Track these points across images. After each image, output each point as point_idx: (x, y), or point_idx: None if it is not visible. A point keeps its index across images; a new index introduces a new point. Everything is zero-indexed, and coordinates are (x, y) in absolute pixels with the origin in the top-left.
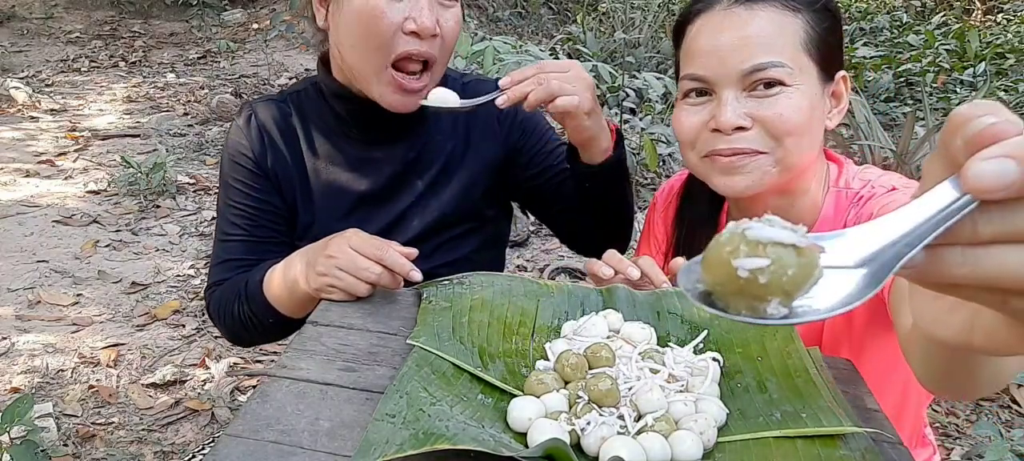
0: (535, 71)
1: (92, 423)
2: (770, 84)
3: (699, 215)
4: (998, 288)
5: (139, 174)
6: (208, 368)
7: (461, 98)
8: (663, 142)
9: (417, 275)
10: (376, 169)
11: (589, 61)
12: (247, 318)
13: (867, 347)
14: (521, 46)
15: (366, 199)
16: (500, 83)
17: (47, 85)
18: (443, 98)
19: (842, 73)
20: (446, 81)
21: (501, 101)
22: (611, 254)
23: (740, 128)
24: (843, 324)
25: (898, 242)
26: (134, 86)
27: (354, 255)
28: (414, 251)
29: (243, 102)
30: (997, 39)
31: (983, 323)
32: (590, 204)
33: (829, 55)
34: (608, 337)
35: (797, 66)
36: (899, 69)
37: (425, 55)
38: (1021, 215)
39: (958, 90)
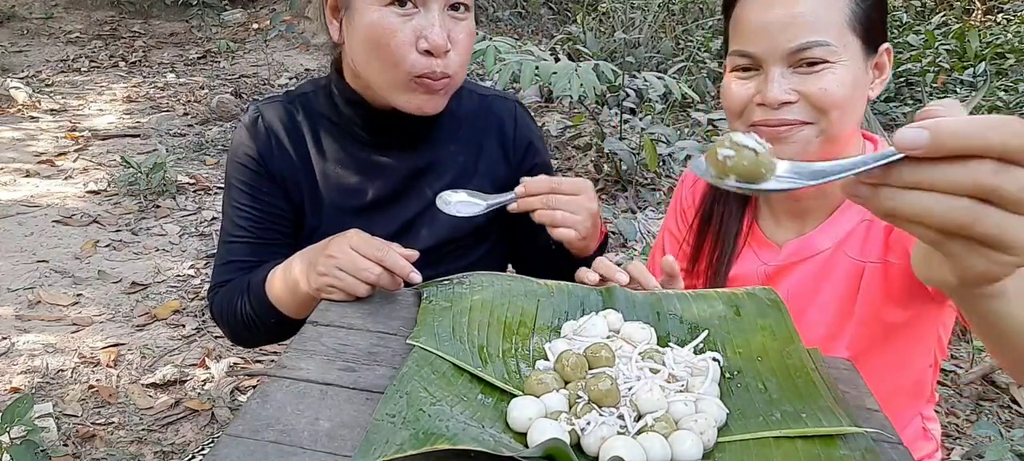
0: (548, 189)
1: (92, 423)
2: (814, 62)
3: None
4: (921, 224)
5: (139, 174)
6: (208, 368)
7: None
8: (663, 142)
9: (417, 277)
10: (385, 175)
11: (589, 61)
12: (249, 319)
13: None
14: (521, 46)
15: (374, 204)
16: (516, 190)
17: (47, 85)
18: (466, 202)
19: (886, 45)
20: (462, 93)
21: (512, 207)
22: (600, 261)
23: (786, 103)
24: (873, 314)
25: (837, 169)
26: (134, 86)
27: (354, 255)
28: (415, 253)
29: (249, 103)
30: (997, 39)
31: (936, 262)
32: (552, 268)
33: (872, 29)
34: (608, 337)
35: (842, 43)
36: (899, 69)
37: (442, 73)
38: (929, 171)
39: (958, 90)
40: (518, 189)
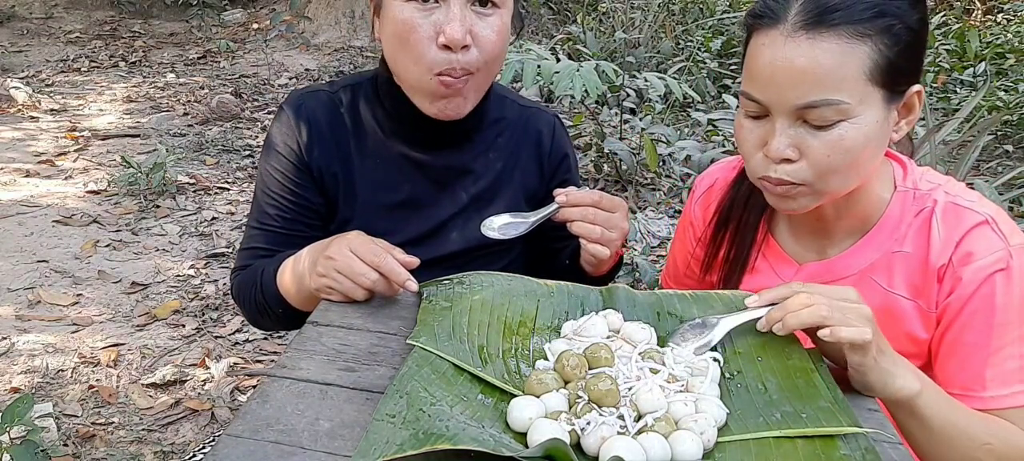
0: (590, 202)
1: (92, 423)
2: (823, 123)
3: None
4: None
5: (139, 174)
6: (208, 368)
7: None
8: (663, 142)
9: (413, 286)
10: (423, 174)
11: (590, 60)
12: (261, 305)
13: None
14: (522, 45)
15: (408, 203)
16: (557, 197)
17: (47, 85)
18: (511, 224)
19: (916, 88)
20: (504, 102)
21: (559, 217)
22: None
23: (787, 160)
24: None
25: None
26: (134, 86)
27: (351, 259)
28: (415, 260)
29: (293, 90)
30: (997, 39)
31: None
32: (565, 275)
33: (900, 77)
34: (608, 337)
35: (857, 98)
36: None
37: (462, 69)
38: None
39: (958, 90)
40: (560, 198)
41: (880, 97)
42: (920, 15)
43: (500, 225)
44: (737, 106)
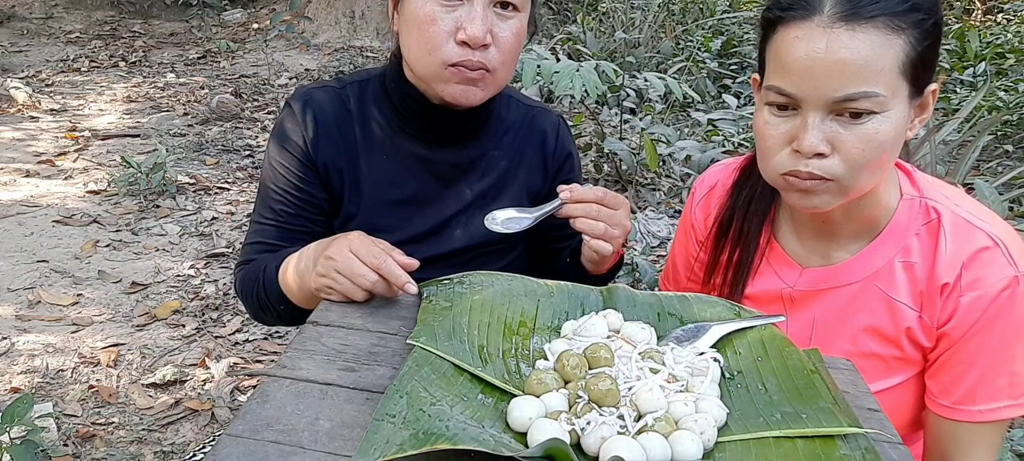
0: (594, 199)
1: (92, 423)
2: (858, 113)
3: (762, 192)
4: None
5: (139, 174)
6: (208, 368)
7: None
8: (663, 142)
9: (412, 288)
10: (428, 170)
11: (590, 60)
12: (264, 302)
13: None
14: (524, 44)
15: (413, 199)
16: (561, 194)
17: (47, 85)
18: (514, 219)
19: (933, 87)
20: (510, 102)
21: (562, 213)
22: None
23: (819, 154)
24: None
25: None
26: (134, 86)
27: (351, 260)
28: (415, 262)
29: (300, 85)
30: (997, 39)
31: None
32: (566, 274)
33: (924, 72)
34: (608, 337)
35: (891, 92)
36: None
37: (478, 62)
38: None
39: (958, 90)
40: (564, 194)
41: (906, 92)
42: (941, 12)
43: (503, 219)
44: (738, 105)
